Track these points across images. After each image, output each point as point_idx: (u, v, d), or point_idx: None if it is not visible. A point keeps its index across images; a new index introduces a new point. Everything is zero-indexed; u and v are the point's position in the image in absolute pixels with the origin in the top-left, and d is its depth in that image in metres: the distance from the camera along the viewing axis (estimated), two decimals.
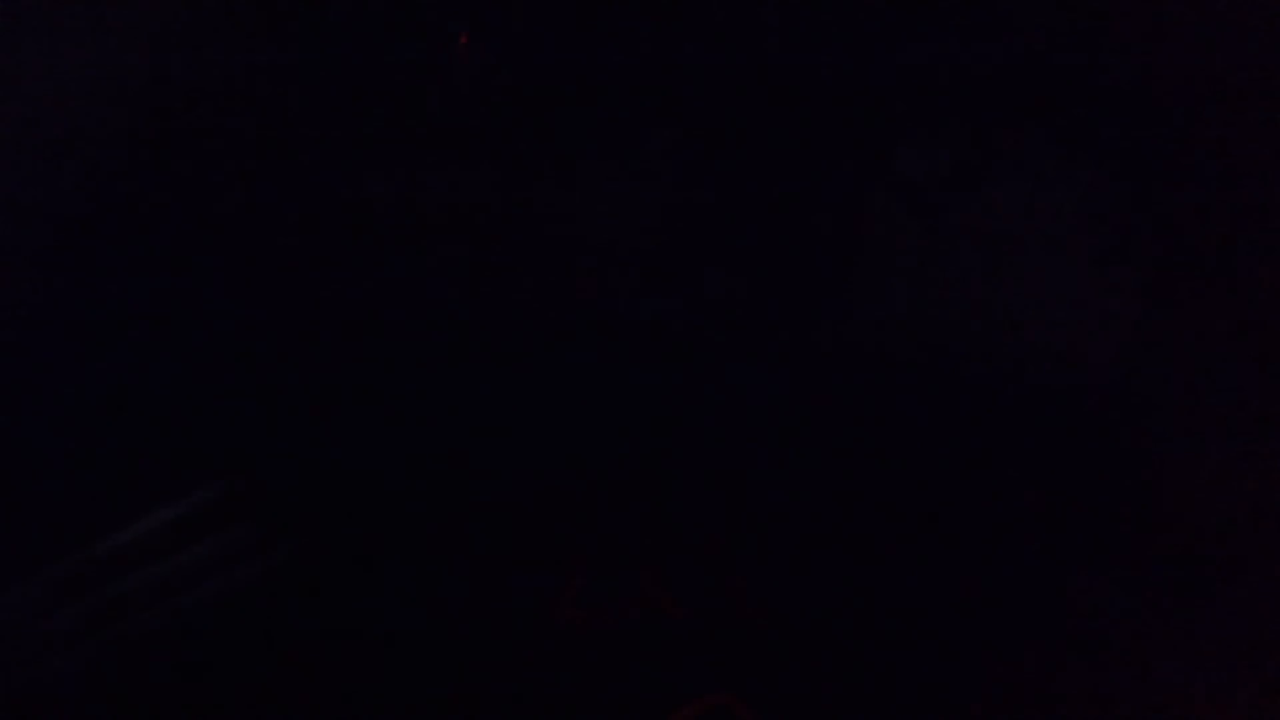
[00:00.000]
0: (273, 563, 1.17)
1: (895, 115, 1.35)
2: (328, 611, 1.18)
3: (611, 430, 1.28)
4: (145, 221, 1.27)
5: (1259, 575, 1.23)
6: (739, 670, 1.19)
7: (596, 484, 1.26)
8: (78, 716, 1.13)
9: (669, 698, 1.17)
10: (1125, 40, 1.32)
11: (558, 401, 1.28)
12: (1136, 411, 1.29)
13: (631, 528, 1.25)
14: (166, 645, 1.14)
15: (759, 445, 1.28)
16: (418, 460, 1.26)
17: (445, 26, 1.30)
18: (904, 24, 1.35)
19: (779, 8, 1.32)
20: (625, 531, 1.24)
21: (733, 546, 1.25)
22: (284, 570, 1.17)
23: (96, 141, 1.27)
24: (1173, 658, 1.21)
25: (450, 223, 1.32)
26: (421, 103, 1.30)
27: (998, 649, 1.22)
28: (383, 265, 1.30)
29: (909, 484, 1.27)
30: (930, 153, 1.35)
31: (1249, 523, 1.25)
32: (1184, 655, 1.21)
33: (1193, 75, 1.31)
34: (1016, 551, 1.25)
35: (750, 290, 1.32)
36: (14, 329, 1.25)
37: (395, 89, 1.30)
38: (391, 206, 1.32)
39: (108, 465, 1.22)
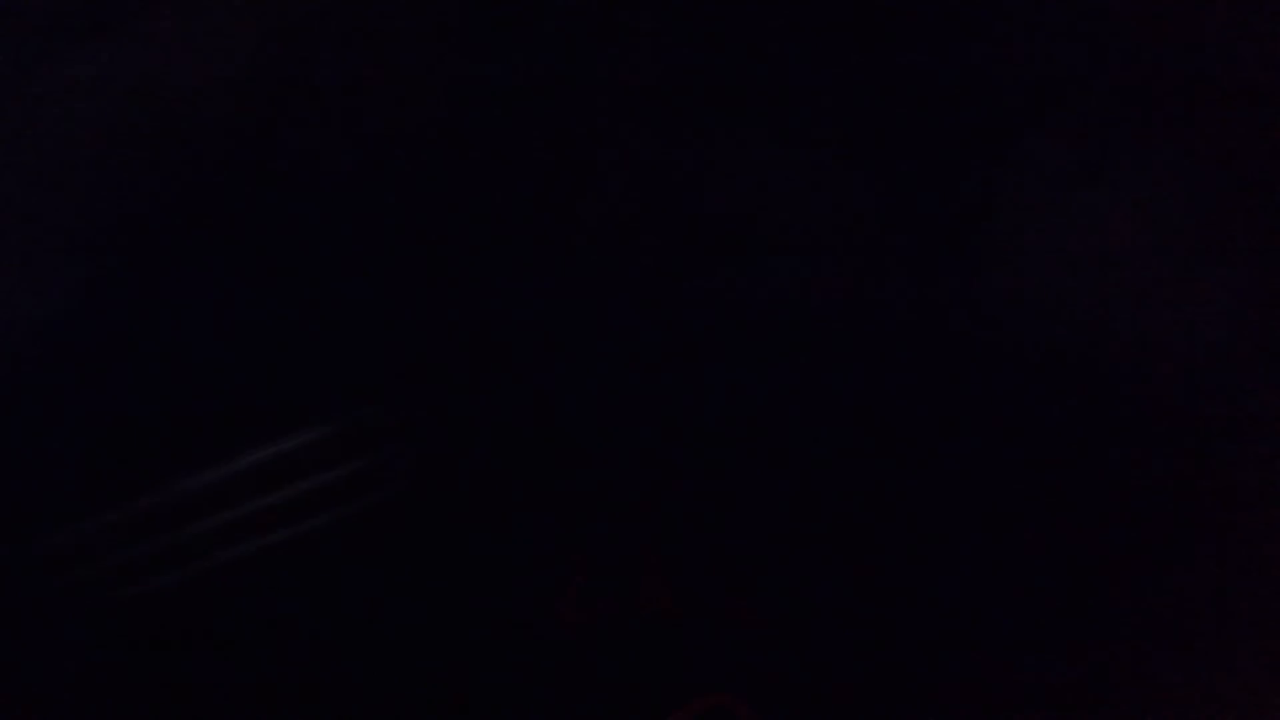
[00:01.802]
0: (368, 505, 1.20)
1: (1013, 107, 1.35)
2: (327, 612, 1.20)
3: (616, 427, 1.28)
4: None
5: None
6: (739, 670, 1.20)
7: (598, 483, 1.26)
8: (149, 644, 1.17)
9: (669, 698, 1.18)
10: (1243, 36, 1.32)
11: (567, 397, 1.29)
12: (1233, 414, 1.28)
13: (631, 528, 1.25)
14: (241, 585, 1.18)
15: (763, 443, 1.28)
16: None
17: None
18: (1024, 19, 1.35)
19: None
20: (625, 532, 1.25)
21: (732, 546, 1.25)
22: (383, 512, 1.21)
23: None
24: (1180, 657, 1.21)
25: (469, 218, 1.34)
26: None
27: (999, 649, 1.22)
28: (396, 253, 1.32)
29: (915, 480, 1.27)
30: (1048, 145, 1.34)
31: None
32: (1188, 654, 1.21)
33: None
34: (1021, 551, 1.25)
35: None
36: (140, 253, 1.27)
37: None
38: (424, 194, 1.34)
39: (215, 401, 1.26)
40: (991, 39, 1.37)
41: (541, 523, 1.24)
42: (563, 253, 1.33)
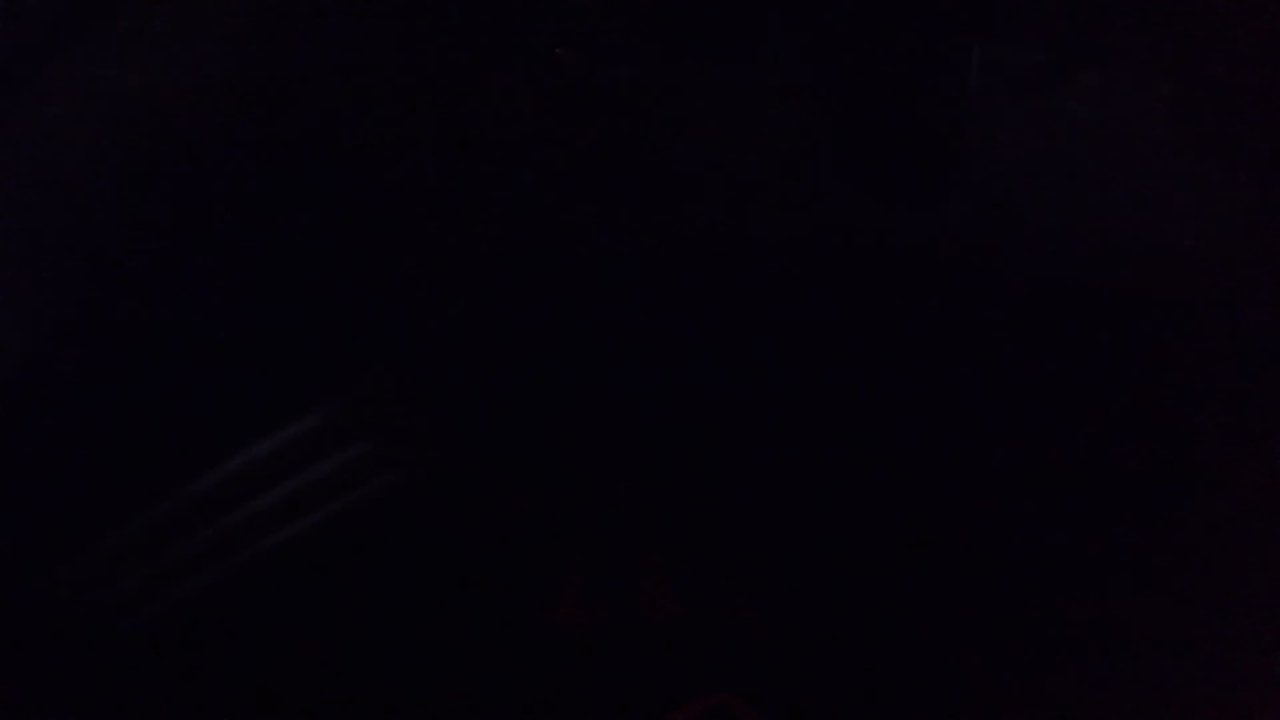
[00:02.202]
0: (375, 493, 1.19)
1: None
2: (323, 611, 1.19)
3: (615, 423, 1.28)
4: None
5: None
6: (739, 670, 1.19)
7: (597, 481, 1.26)
8: (201, 646, 1.16)
9: (669, 698, 1.18)
10: None
11: (558, 394, 1.28)
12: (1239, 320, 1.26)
13: (632, 527, 1.25)
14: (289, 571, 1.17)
15: (762, 438, 1.27)
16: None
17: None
18: None
19: None
20: (625, 531, 1.24)
21: (733, 546, 1.25)
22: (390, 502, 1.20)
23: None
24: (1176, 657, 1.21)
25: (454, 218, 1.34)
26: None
27: (999, 648, 1.22)
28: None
29: (911, 477, 1.26)
30: (1025, 45, 1.33)
31: None
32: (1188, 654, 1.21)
33: None
34: (1021, 549, 1.25)
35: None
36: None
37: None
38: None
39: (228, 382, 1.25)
40: None
41: (542, 523, 1.23)
42: (553, 238, 1.32)
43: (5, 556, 1.21)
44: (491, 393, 1.28)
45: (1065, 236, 1.31)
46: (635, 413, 1.28)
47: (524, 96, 1.35)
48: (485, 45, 1.36)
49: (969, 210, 1.33)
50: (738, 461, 1.27)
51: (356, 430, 1.24)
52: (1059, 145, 1.33)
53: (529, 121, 1.35)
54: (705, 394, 1.28)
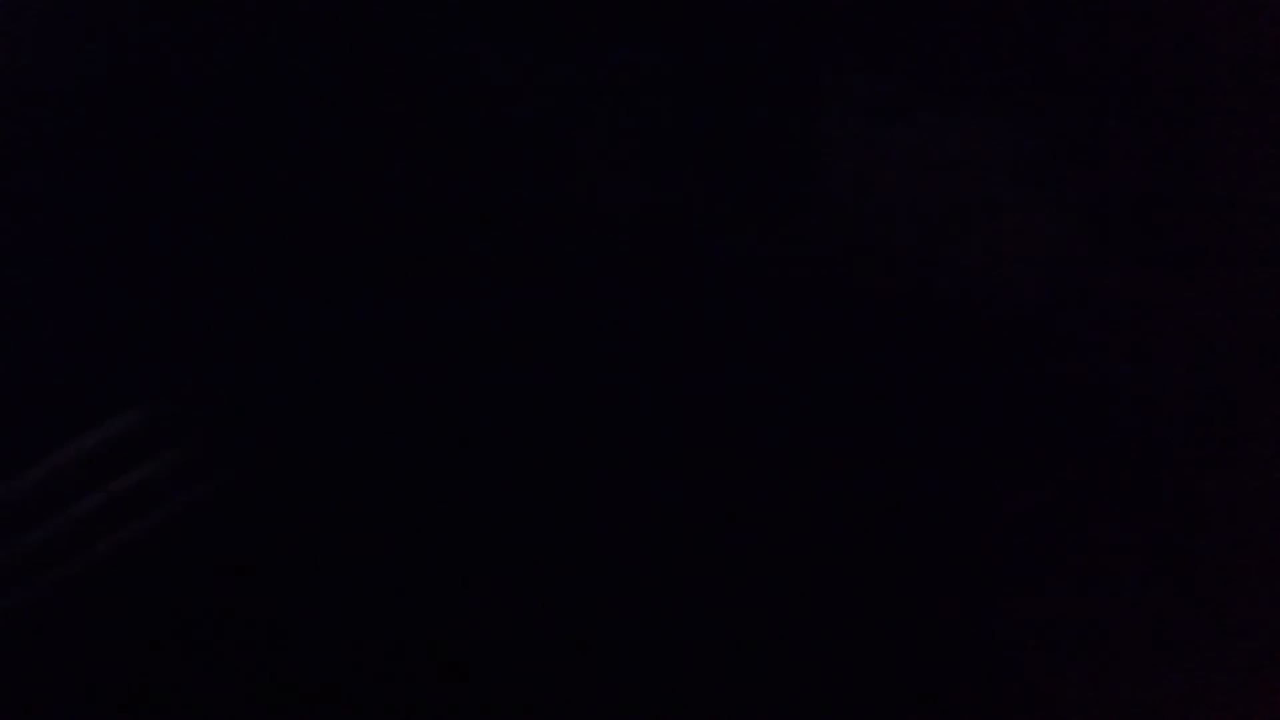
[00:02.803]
0: (201, 496, 1.13)
1: (841, 35, 1.34)
2: (316, 613, 1.16)
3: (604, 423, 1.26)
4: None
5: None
6: (739, 670, 1.18)
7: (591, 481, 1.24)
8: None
9: (669, 697, 1.16)
10: None
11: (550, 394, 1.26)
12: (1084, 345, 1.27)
13: (627, 525, 1.23)
14: (96, 590, 1.11)
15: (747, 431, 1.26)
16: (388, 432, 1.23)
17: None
18: None
19: None
20: (619, 529, 1.23)
21: (727, 544, 1.23)
22: (217, 504, 1.14)
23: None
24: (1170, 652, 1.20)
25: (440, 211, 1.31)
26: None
27: (998, 647, 1.21)
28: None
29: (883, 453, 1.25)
30: (878, 76, 1.33)
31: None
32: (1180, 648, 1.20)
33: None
34: (1017, 546, 1.24)
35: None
36: None
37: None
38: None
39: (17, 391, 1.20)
40: None
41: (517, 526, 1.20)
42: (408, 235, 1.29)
43: None
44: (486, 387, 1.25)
45: (899, 254, 1.32)
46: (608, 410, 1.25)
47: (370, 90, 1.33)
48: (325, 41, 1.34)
49: (812, 224, 1.33)
50: (731, 462, 1.25)
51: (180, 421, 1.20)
52: (899, 170, 1.34)
53: (370, 114, 1.32)
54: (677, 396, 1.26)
